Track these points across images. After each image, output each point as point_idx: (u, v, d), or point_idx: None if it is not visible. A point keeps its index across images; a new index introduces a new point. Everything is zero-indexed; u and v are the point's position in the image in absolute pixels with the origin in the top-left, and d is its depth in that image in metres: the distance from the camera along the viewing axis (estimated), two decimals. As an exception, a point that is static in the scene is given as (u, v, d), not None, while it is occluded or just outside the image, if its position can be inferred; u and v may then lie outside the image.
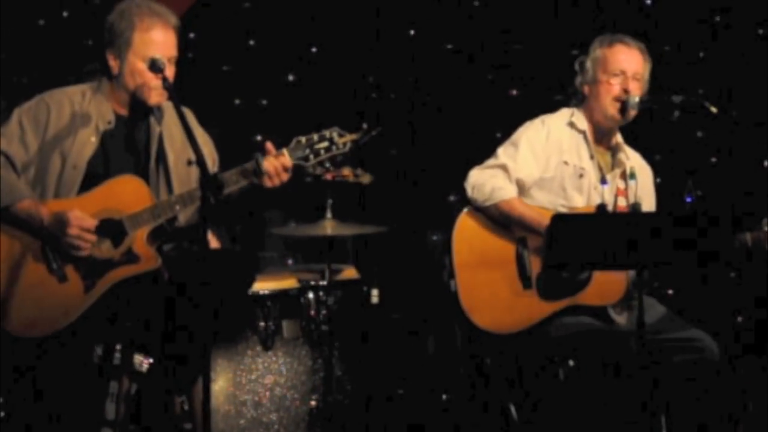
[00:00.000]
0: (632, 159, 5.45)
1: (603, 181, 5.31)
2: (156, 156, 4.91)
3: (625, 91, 5.26)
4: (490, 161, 5.30)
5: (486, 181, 5.22)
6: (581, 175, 5.31)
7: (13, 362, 4.73)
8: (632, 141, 5.52)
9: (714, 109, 5.16)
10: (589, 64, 5.34)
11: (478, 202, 5.23)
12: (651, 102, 5.29)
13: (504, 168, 5.25)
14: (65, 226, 4.67)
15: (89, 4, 6.76)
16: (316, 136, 4.77)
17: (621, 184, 5.39)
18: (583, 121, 5.36)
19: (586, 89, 5.36)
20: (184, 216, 4.88)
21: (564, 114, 5.41)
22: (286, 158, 4.72)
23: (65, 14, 6.79)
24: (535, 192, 5.30)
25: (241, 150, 4.93)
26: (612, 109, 5.28)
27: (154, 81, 4.77)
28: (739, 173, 6.96)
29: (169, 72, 4.79)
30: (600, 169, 5.35)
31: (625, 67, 5.28)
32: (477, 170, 5.28)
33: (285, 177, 4.73)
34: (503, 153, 5.30)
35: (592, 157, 5.35)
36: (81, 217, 4.69)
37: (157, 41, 4.79)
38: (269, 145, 4.75)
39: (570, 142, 5.34)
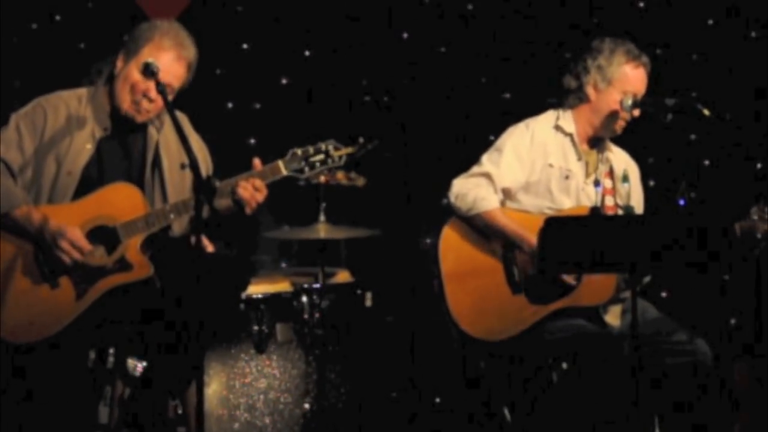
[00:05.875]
0: (618, 156, 5.45)
1: (596, 183, 5.32)
2: (152, 163, 4.92)
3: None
4: (474, 169, 5.29)
5: (469, 191, 5.21)
6: (567, 177, 5.31)
7: (5, 367, 4.72)
8: (626, 144, 5.52)
9: (707, 112, 5.16)
10: (608, 71, 5.28)
11: (462, 211, 5.22)
12: (645, 104, 5.29)
13: (488, 176, 5.25)
14: (59, 238, 4.67)
15: (82, 8, 6.76)
16: (312, 149, 4.79)
17: (608, 183, 5.39)
18: (571, 123, 5.36)
19: (592, 93, 5.32)
20: (179, 225, 4.89)
21: (549, 117, 5.41)
22: (257, 181, 4.72)
23: (58, 18, 6.79)
24: (521, 196, 5.30)
25: (234, 154, 4.94)
26: (614, 123, 5.29)
27: (138, 94, 4.78)
28: (732, 176, 6.96)
29: (159, 99, 4.77)
30: (587, 168, 5.35)
31: (638, 90, 5.28)
32: (461, 179, 5.28)
33: (260, 198, 4.74)
34: (487, 160, 5.29)
35: (579, 158, 5.35)
36: (78, 236, 4.69)
37: (162, 62, 4.78)
38: (257, 162, 4.76)
39: (555, 144, 5.34)
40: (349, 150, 4.81)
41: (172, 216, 4.77)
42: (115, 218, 4.75)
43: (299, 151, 4.78)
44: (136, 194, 4.80)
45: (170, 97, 4.80)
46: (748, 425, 5.75)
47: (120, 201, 4.78)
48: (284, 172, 4.77)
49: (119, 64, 4.88)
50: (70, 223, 4.71)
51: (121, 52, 4.90)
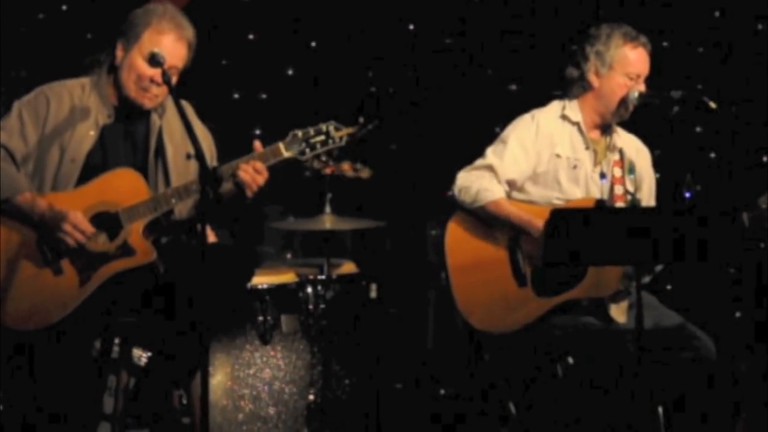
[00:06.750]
0: (627, 141, 5.43)
1: (602, 176, 5.31)
2: (155, 150, 4.92)
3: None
4: (478, 162, 5.29)
5: (472, 183, 5.21)
6: (575, 167, 5.30)
7: (10, 355, 4.73)
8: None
9: (713, 105, 5.15)
10: (607, 56, 5.27)
11: (466, 204, 5.22)
12: (650, 97, 5.28)
13: (490, 168, 5.24)
14: (61, 221, 4.68)
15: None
16: (312, 130, 4.78)
17: (618, 173, 5.37)
18: (577, 112, 5.34)
19: (594, 80, 5.30)
20: (181, 209, 4.89)
21: (555, 107, 5.39)
22: (258, 163, 4.72)
23: (64, 8, 6.79)
24: (529, 187, 5.30)
25: (239, 144, 4.93)
26: (623, 108, 5.27)
27: (146, 81, 4.79)
28: (738, 169, 6.95)
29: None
30: (595, 156, 5.34)
31: (641, 71, 5.27)
32: (464, 172, 5.28)
33: (261, 180, 4.73)
34: (491, 152, 5.29)
35: (587, 147, 5.34)
36: (80, 219, 4.70)
37: (164, 45, 4.79)
38: (257, 145, 4.76)
39: (562, 134, 5.33)
40: (350, 130, 4.80)
41: (173, 200, 4.77)
42: (118, 204, 4.75)
43: (299, 133, 4.78)
44: (138, 179, 4.80)
45: (174, 79, 4.80)
46: (752, 420, 5.75)
47: (122, 186, 4.78)
48: (285, 154, 4.77)
49: (119, 53, 4.87)
50: (72, 209, 4.71)
51: (119, 40, 4.88)
